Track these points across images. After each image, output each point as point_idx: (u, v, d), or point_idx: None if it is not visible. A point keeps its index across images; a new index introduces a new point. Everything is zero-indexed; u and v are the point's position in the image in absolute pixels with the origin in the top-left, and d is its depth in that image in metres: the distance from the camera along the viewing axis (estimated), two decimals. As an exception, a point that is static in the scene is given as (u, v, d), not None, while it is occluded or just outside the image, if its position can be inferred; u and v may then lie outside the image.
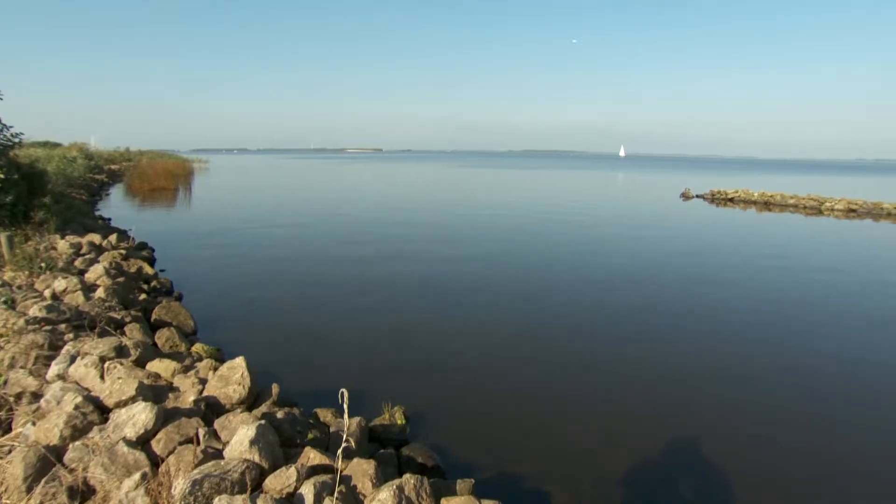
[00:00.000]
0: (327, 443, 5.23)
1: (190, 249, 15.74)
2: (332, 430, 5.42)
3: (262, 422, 4.64)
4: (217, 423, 4.88)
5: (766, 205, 34.80)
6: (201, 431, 4.55)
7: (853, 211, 31.51)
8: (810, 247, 19.19)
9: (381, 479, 4.17)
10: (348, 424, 4.22)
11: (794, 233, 23.06)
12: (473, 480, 4.53)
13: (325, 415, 6.06)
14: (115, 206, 27.11)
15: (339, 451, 4.04)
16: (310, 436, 5.31)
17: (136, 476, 3.86)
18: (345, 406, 3.93)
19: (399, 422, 5.99)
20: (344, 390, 3.94)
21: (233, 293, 11.29)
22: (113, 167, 51.45)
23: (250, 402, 5.80)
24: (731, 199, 37.24)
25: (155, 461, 4.27)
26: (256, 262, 14.27)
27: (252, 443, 4.23)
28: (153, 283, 10.97)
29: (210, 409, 5.32)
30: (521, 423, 6.32)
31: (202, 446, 4.33)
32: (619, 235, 20.29)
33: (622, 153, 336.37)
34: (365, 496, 4.05)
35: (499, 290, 11.93)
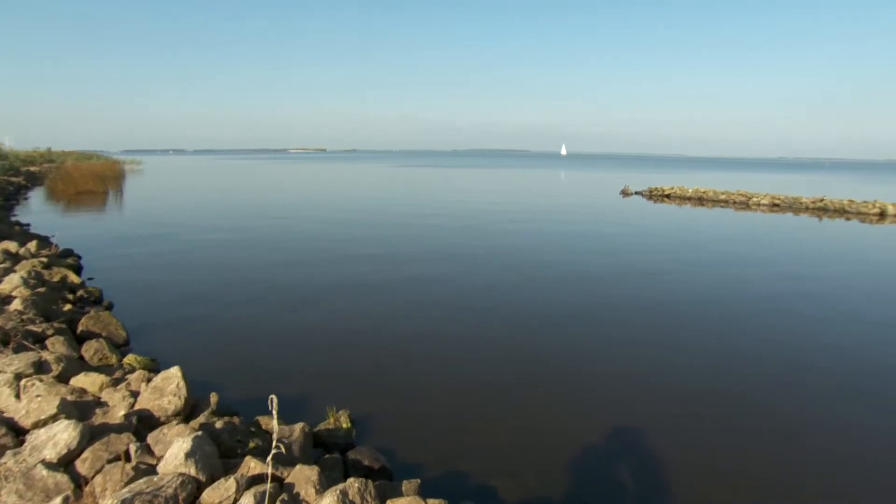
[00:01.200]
0: (270, 451, 5.09)
1: (122, 256, 14.91)
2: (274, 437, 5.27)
3: (199, 433, 4.46)
4: (151, 438, 4.65)
5: (700, 200, 36.61)
6: (132, 447, 4.33)
7: (776, 205, 33.66)
8: (743, 238, 20.40)
9: (325, 485, 4.10)
10: (277, 430, 4.13)
11: (726, 225, 24.41)
12: (419, 480, 4.52)
13: (267, 422, 5.88)
14: (36, 211, 25.31)
15: (269, 458, 3.96)
16: (251, 445, 5.16)
17: (58, 500, 3.61)
18: (274, 413, 3.87)
19: (345, 425, 5.90)
20: (273, 396, 3.86)
21: (169, 300, 10.78)
22: (32, 169, 48.08)
23: (187, 413, 5.56)
24: (668, 196, 38.94)
25: (80, 483, 4.02)
26: (193, 268, 13.69)
27: (188, 455, 4.06)
28: (80, 293, 10.31)
29: (143, 423, 5.06)
30: (469, 420, 6.36)
31: (133, 463, 4.12)
32: (561, 232, 20.82)
33: (563, 152, 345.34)
34: (308, 503, 3.97)
35: (441, 290, 11.95)
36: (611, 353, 8.51)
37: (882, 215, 29.24)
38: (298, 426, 5.34)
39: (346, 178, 58.01)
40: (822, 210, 31.55)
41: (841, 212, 30.74)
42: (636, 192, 40.83)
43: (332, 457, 5.20)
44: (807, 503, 5.00)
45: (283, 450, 4.09)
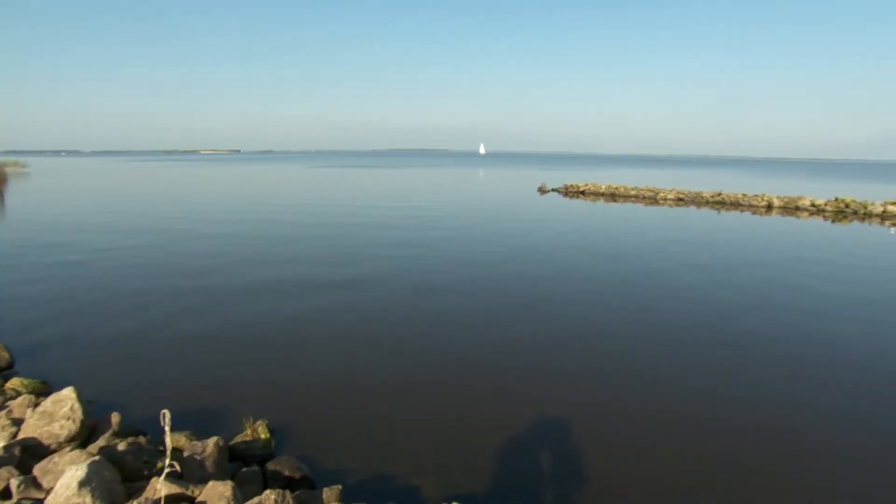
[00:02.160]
0: (181, 470, 4.80)
1: (2, 269, 13.49)
2: (186, 454, 4.97)
3: (97, 458, 4.12)
4: (38, 469, 4.24)
5: (613, 196, 38.65)
6: (14, 482, 3.92)
7: (681, 200, 36.21)
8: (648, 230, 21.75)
9: (240, 500, 3.92)
10: (170, 446, 3.91)
11: (633, 219, 25.91)
12: (341, 487, 4.44)
13: (178, 440, 5.54)
14: None
15: (161, 478, 3.74)
16: (159, 465, 4.84)
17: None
18: (166, 428, 3.66)
19: (263, 436, 5.67)
20: (165, 411, 3.65)
21: (61, 316, 9.87)
22: None
23: (84, 437, 5.14)
24: (583, 192, 40.78)
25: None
26: (87, 279, 12.60)
27: (82, 485, 3.73)
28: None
29: (29, 454, 4.60)
30: (392, 421, 6.32)
31: (15, 499, 3.73)
32: (480, 228, 21.22)
33: (482, 151, 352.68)
34: (223, 521, 3.78)
35: (353, 294, 11.77)
36: (527, 348, 8.78)
37: (769, 207, 32.30)
38: (212, 441, 5.07)
39: (256, 179, 55.87)
40: (720, 203, 34.30)
41: (736, 205, 33.58)
42: (553, 189, 42.41)
43: (251, 469, 4.99)
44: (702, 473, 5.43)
45: (178, 468, 3.86)
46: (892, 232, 23.28)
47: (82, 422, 4.99)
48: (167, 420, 3.60)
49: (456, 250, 16.72)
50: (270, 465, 5.08)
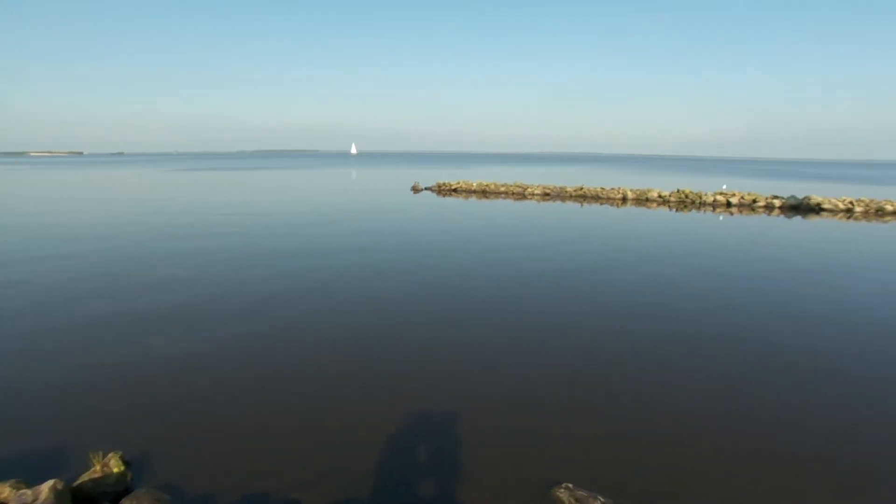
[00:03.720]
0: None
1: None
2: (13, 505, 4.31)
3: None
4: None
5: (484, 193, 40.35)
6: None
7: (547, 194, 38.82)
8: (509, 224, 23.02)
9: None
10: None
11: (500, 214, 27.28)
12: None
13: (2, 490, 4.78)
14: None
15: None
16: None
17: None
18: None
19: (116, 470, 5.10)
20: None
21: None
22: None
23: None
24: (455, 190, 42.04)
25: None
26: None
27: None
28: None
29: None
30: (259, 437, 6.04)
31: None
32: (352, 231, 21.00)
33: (354, 151, 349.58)
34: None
35: (213, 307, 11.14)
36: (401, 345, 8.90)
37: (624, 199, 35.88)
38: (47, 485, 4.47)
39: (99, 186, 49.97)
40: (582, 197, 37.34)
41: (596, 198, 36.80)
42: (426, 188, 43.19)
43: (101, 510, 4.46)
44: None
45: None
46: (721, 218, 27.01)
47: None
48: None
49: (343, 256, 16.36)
50: (126, 501, 4.59)
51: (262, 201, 33.48)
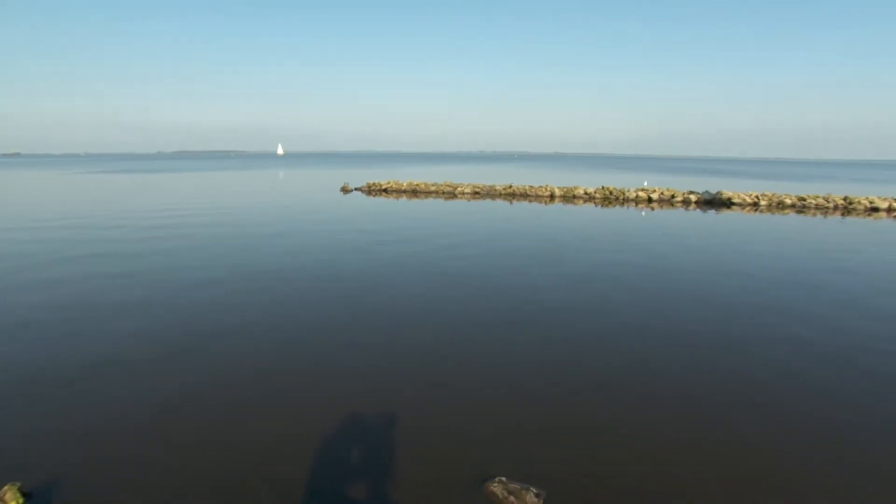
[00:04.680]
0: None
1: None
2: None
3: None
4: None
5: (414, 192, 40.42)
6: None
7: (477, 193, 39.42)
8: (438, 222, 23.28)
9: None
10: None
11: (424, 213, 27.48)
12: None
13: None
14: None
15: None
16: None
17: None
18: None
19: (14, 503, 4.73)
20: None
21: None
22: None
23: None
24: (385, 190, 41.86)
25: None
26: None
27: None
28: None
29: None
30: (164, 455, 5.76)
31: None
32: (278, 232, 20.48)
33: (280, 151, 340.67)
34: None
35: (123, 313, 10.59)
36: (329, 349, 8.79)
37: (552, 197, 37.05)
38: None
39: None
40: (511, 195, 38.20)
41: (525, 195, 37.77)
42: (355, 189, 42.75)
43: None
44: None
45: None
46: (644, 214, 28.46)
47: None
48: None
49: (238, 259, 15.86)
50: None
51: (179, 205, 31.93)
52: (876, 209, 31.27)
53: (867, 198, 32.82)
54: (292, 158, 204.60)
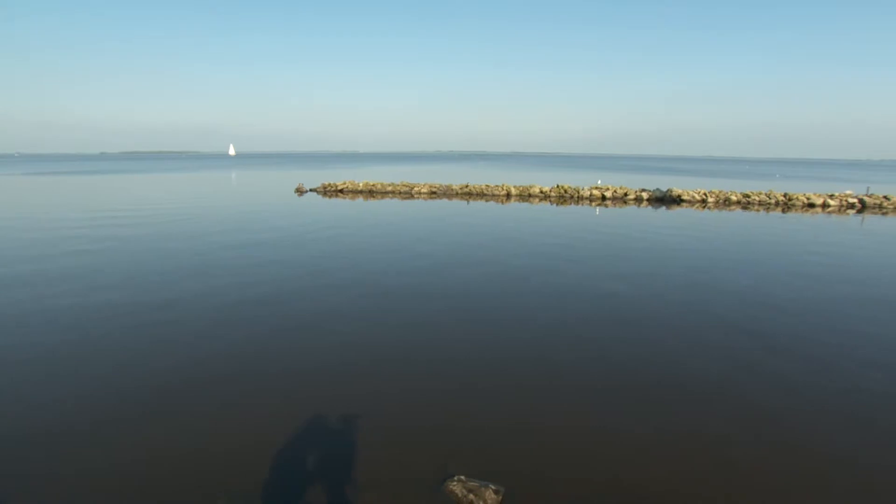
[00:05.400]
0: None
1: None
2: None
3: None
4: None
5: (371, 193, 40.10)
6: None
7: (434, 193, 39.45)
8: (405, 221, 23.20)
9: None
10: None
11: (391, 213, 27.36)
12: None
13: None
14: None
15: None
16: None
17: None
18: None
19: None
20: None
21: None
22: None
23: None
24: (341, 191, 41.38)
25: None
26: None
27: None
28: None
29: None
30: (107, 467, 5.56)
31: None
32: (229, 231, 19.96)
33: (232, 152, 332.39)
34: None
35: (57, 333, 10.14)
36: (284, 353, 8.65)
37: (508, 195, 37.46)
38: None
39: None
40: (468, 194, 38.40)
41: (482, 195, 38.03)
42: (311, 189, 42.09)
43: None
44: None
45: None
46: (597, 212, 29.11)
47: None
48: None
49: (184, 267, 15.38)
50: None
51: (124, 208, 30.67)
52: (812, 205, 33.03)
53: (804, 194, 34.65)
54: (245, 159, 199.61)
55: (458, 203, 32.98)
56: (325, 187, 42.42)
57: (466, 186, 40.10)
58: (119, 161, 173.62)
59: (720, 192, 35.65)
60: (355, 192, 40.41)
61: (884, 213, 29.83)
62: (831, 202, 33.22)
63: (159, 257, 15.90)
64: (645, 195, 35.44)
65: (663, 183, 48.86)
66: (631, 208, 30.65)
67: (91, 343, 8.92)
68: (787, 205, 33.18)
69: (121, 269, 14.20)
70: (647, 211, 29.43)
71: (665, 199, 34.79)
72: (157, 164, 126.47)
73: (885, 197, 33.65)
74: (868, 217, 28.14)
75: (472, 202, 33.46)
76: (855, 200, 33.42)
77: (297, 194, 39.64)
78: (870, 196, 34.12)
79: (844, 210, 31.39)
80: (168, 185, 50.87)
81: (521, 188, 38.61)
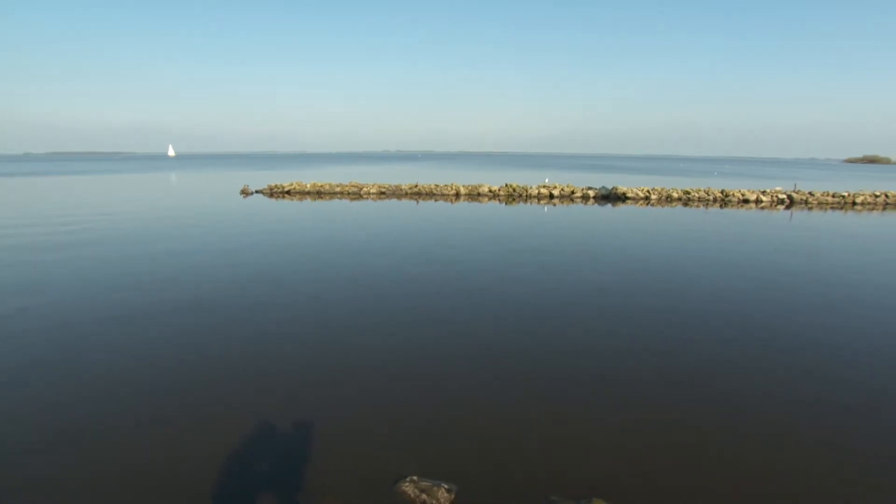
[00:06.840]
0: None
1: None
2: None
3: None
4: None
5: (319, 194, 39.55)
6: None
7: (383, 193, 39.30)
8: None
9: None
10: None
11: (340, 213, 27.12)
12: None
13: None
14: None
15: None
16: None
17: None
18: None
19: None
20: None
21: None
22: None
23: None
24: (288, 192, 40.62)
25: None
26: None
27: None
28: None
29: None
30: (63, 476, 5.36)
31: None
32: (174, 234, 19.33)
33: (171, 153, 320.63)
34: None
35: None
36: (229, 356, 8.50)
37: (458, 195, 37.75)
38: None
39: None
40: (417, 194, 38.46)
41: (431, 194, 38.17)
42: (256, 191, 41.13)
43: None
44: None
45: None
46: (546, 210, 29.76)
47: None
48: None
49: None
50: None
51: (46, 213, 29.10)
52: (747, 201, 34.88)
53: (739, 191, 36.53)
54: (185, 160, 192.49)
55: (407, 203, 32.98)
56: (271, 189, 41.52)
57: (416, 186, 40.14)
58: (44, 162, 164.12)
59: (662, 189, 37.09)
60: (303, 194, 39.76)
61: (809, 209, 31.83)
62: (764, 198, 35.16)
63: (80, 268, 15.21)
64: (591, 193, 36.46)
65: (608, 181, 50.36)
66: (578, 206, 31.47)
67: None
68: (724, 201, 34.90)
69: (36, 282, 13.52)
70: (593, 208, 30.29)
71: (610, 197, 35.91)
72: (87, 166, 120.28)
73: (810, 193, 35.94)
74: (796, 212, 29.98)
75: (421, 202, 33.52)
76: (784, 196, 35.51)
77: (242, 196, 38.67)
78: (797, 192, 36.32)
79: (775, 205, 33.32)
80: (99, 188, 48.55)
81: (470, 187, 38.97)
